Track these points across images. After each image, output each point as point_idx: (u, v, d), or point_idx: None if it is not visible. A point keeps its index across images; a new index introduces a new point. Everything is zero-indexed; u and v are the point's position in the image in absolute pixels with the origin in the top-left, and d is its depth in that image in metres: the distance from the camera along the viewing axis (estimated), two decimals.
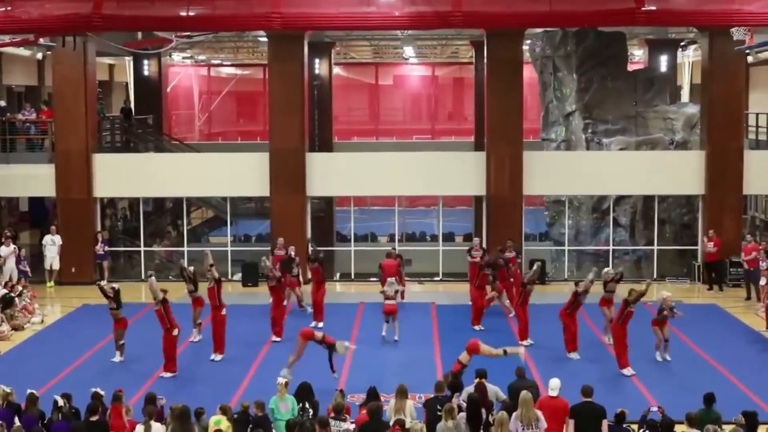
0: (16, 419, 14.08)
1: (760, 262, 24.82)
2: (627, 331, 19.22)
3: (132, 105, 36.33)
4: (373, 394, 14.81)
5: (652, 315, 23.67)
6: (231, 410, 14.22)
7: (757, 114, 31.89)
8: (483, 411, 13.92)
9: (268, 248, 27.43)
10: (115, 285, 21.26)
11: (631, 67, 35.92)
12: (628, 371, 19.02)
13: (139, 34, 33.69)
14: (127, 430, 13.87)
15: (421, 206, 41.24)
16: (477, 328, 22.77)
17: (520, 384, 14.60)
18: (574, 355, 20.26)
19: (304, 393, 15.02)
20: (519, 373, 15.28)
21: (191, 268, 22.02)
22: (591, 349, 20.65)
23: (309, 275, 24.99)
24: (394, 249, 26.88)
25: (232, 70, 50.81)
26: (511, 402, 13.92)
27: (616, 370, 19.09)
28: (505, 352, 17.08)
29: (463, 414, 13.74)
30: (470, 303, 23.66)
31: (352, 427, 13.54)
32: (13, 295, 23.97)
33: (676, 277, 28.87)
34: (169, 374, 19.06)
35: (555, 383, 13.93)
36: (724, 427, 13.26)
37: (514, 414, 13.10)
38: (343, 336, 21.59)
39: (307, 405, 14.72)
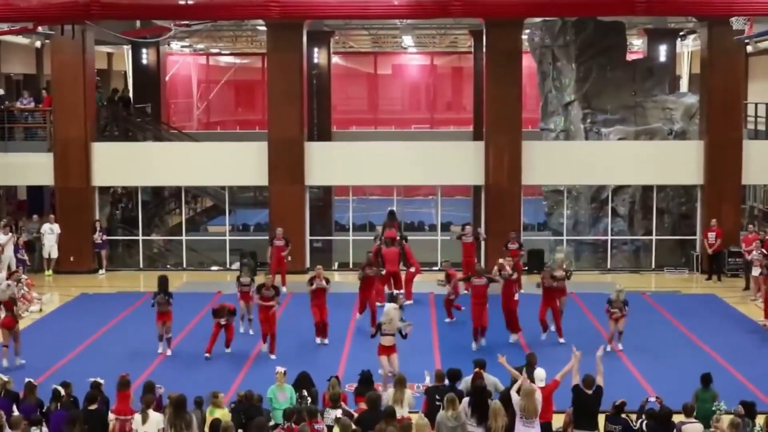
0: (14, 408, 14.09)
1: (754, 252, 24.81)
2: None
3: (131, 93, 36.28)
4: (366, 379, 14.80)
5: (650, 305, 23.80)
6: (220, 397, 14.23)
7: (756, 104, 31.90)
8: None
9: (267, 237, 27.43)
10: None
11: (630, 57, 35.87)
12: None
13: (138, 23, 33.62)
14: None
15: (419, 196, 41.24)
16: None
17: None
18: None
19: (303, 382, 15.03)
20: (531, 359, 15.11)
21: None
22: (591, 340, 20.63)
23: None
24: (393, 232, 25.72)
25: (230, 59, 50.78)
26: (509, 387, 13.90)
27: (614, 361, 19.09)
28: None
29: (464, 401, 13.68)
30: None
31: (340, 412, 13.56)
32: (11, 282, 23.96)
33: (674, 267, 28.90)
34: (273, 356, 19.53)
35: (541, 374, 13.97)
36: (723, 418, 13.32)
37: (518, 404, 13.13)
38: (341, 326, 21.68)
39: (305, 393, 14.74)
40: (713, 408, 13.69)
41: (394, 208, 28.46)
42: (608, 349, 19.54)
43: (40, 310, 24.02)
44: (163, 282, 20.07)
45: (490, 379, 14.70)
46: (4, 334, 19.20)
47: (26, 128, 29.97)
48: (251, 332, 21.15)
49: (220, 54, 49.83)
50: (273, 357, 19.48)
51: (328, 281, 20.94)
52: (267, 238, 27.23)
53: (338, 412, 13.59)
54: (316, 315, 20.80)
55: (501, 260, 21.54)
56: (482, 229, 27.34)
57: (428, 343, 20.75)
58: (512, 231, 26.19)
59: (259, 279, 21.35)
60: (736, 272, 27.40)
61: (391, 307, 17.77)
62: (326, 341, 20.74)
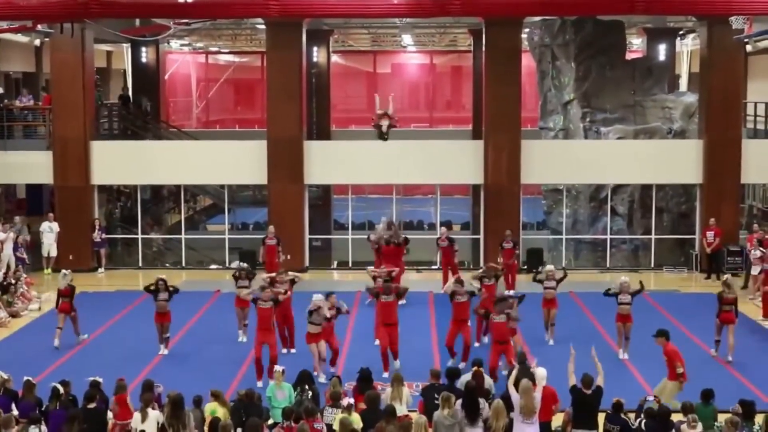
0: (14, 406, 14.09)
1: (753, 251, 24.80)
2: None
3: (130, 92, 36.28)
4: (366, 377, 14.82)
5: (649, 304, 23.79)
6: (222, 395, 14.24)
7: (756, 103, 31.89)
8: (480, 399, 13.88)
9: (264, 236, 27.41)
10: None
11: (629, 56, 35.86)
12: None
13: (137, 21, 33.61)
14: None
15: (418, 195, 41.23)
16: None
17: (520, 373, 14.43)
18: None
19: (304, 380, 15.03)
20: (520, 359, 15.13)
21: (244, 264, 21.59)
22: (589, 339, 20.62)
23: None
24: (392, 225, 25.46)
25: (230, 58, 50.78)
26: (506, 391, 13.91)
27: (613, 360, 19.08)
28: None
29: (458, 402, 13.70)
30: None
31: (340, 411, 13.59)
32: (12, 281, 24.00)
33: (673, 266, 28.91)
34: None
35: (542, 373, 13.97)
36: (720, 416, 13.31)
37: (516, 403, 13.13)
38: (340, 326, 21.63)
39: (307, 387, 14.76)
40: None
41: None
42: (621, 357, 19.44)
43: (39, 308, 24.03)
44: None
45: (488, 380, 14.75)
46: (61, 318, 20.65)
47: (25, 126, 30.00)
48: (244, 339, 20.79)
49: (219, 52, 49.82)
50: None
51: (338, 311, 18.58)
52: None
53: (336, 411, 13.63)
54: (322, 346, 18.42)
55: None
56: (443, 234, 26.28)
57: (428, 343, 20.76)
58: (507, 230, 26.00)
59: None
60: (735, 271, 27.40)
61: (319, 298, 18.06)
62: (332, 369, 18.47)
